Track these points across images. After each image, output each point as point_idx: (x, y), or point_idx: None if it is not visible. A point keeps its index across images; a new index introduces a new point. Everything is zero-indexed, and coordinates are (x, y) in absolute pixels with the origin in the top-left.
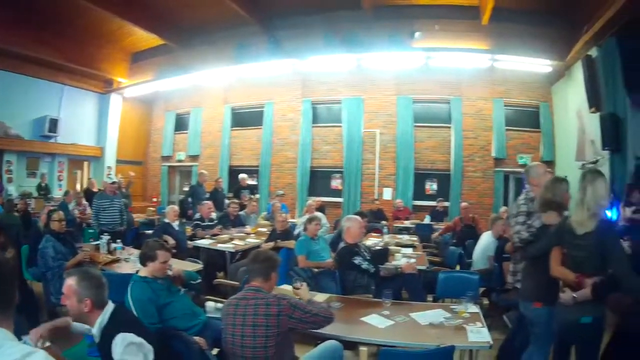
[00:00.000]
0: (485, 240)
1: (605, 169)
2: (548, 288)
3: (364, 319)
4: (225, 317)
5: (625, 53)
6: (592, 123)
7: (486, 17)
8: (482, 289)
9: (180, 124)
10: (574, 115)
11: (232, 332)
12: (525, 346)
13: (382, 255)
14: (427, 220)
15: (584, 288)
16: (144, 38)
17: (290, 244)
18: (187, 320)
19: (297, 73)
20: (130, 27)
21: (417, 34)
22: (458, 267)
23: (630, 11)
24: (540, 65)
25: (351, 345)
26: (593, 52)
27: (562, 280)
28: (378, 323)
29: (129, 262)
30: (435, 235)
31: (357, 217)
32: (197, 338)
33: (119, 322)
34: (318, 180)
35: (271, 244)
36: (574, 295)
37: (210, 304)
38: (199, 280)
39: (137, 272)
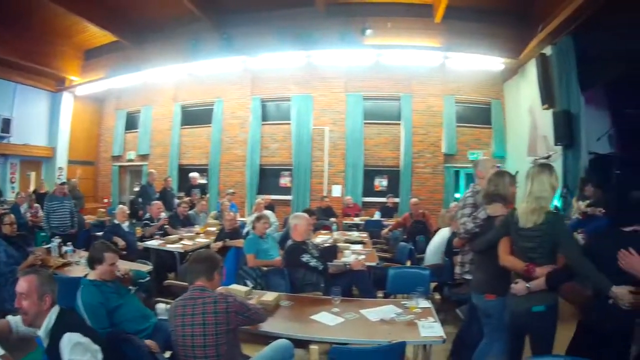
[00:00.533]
0: (441, 236)
1: (558, 163)
2: (499, 279)
3: (314, 316)
4: (173, 318)
5: (581, 51)
6: (545, 119)
7: (439, 14)
8: (434, 284)
9: (131, 123)
10: (526, 112)
11: (182, 333)
12: (479, 338)
13: (330, 252)
14: (376, 216)
15: (534, 277)
16: (97, 35)
17: (239, 243)
18: (137, 323)
19: (248, 70)
20: (84, 24)
21: (368, 31)
22: (409, 263)
23: (587, 11)
24: (493, 63)
25: (302, 344)
26: (547, 50)
27: (512, 269)
28: (328, 320)
29: (80, 265)
30: (385, 231)
31: (304, 214)
32: (148, 341)
33: (65, 324)
34: (267, 178)
35: (220, 244)
36: (527, 285)
37: (161, 306)
38: (147, 279)
39: (86, 275)
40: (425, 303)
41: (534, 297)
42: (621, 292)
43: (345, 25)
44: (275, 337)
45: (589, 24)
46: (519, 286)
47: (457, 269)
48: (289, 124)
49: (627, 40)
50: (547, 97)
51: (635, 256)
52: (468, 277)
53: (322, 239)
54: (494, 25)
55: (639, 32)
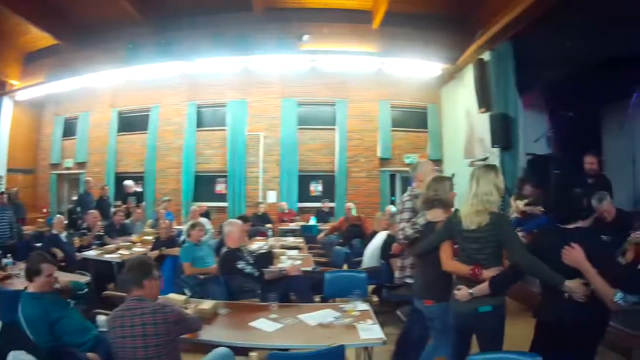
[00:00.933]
0: (380, 239)
1: (496, 164)
2: (438, 285)
3: (252, 323)
4: (112, 330)
5: (519, 56)
6: (481, 123)
7: (377, 21)
8: (372, 287)
9: (69, 130)
10: (463, 116)
11: (122, 345)
12: (423, 339)
13: (266, 258)
14: (312, 221)
15: (480, 280)
16: (38, 37)
17: (175, 251)
18: (79, 336)
19: (185, 76)
20: (25, 26)
21: (305, 37)
22: (346, 267)
23: (526, 18)
24: (431, 68)
25: (241, 351)
26: (486, 55)
27: (456, 274)
28: (266, 327)
29: (21, 278)
30: (320, 236)
31: (238, 221)
32: (90, 355)
33: (9, 340)
34: (203, 186)
35: (156, 253)
36: (470, 291)
37: (101, 318)
38: (85, 290)
39: (26, 288)
40: (363, 306)
41: (481, 298)
42: (575, 285)
43: (283, 31)
44: (214, 345)
45: (528, 31)
46: (461, 292)
47: (397, 273)
48: (224, 130)
49: (565, 46)
50: (484, 100)
51: (578, 251)
52: (409, 281)
53: (258, 245)
54: (432, 32)
55: (576, 39)
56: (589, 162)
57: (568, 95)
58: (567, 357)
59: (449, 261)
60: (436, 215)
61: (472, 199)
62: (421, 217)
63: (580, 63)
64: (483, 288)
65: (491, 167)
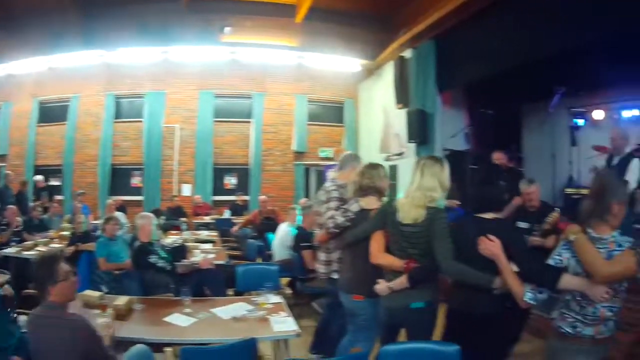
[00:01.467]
0: (283, 231)
1: (410, 160)
2: (368, 279)
3: (166, 318)
4: (31, 335)
5: (441, 56)
6: (398, 118)
7: (301, 15)
8: (287, 279)
9: None
10: (380, 111)
11: (36, 353)
12: (342, 331)
13: (179, 252)
14: (226, 214)
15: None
16: None
17: (91, 246)
18: (2, 339)
19: (105, 65)
20: None
21: (227, 29)
22: (260, 260)
23: (450, 19)
24: (350, 64)
25: (157, 347)
26: (407, 53)
27: (388, 268)
28: (181, 322)
29: None
30: (234, 229)
31: (150, 214)
32: (15, 358)
33: None
34: (119, 179)
35: (72, 248)
36: (389, 285)
37: (23, 319)
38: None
39: None
40: (276, 298)
41: (413, 294)
42: (501, 283)
43: (206, 22)
44: (129, 342)
45: (451, 31)
46: (380, 287)
47: (323, 268)
48: (140, 121)
49: (487, 48)
50: (402, 97)
51: (496, 244)
52: (335, 276)
53: (172, 239)
54: (354, 28)
55: (499, 41)
56: (496, 158)
57: (489, 94)
58: (478, 346)
59: (379, 254)
60: (370, 202)
61: (414, 191)
62: (354, 203)
63: (502, 63)
64: (402, 281)
65: (437, 160)
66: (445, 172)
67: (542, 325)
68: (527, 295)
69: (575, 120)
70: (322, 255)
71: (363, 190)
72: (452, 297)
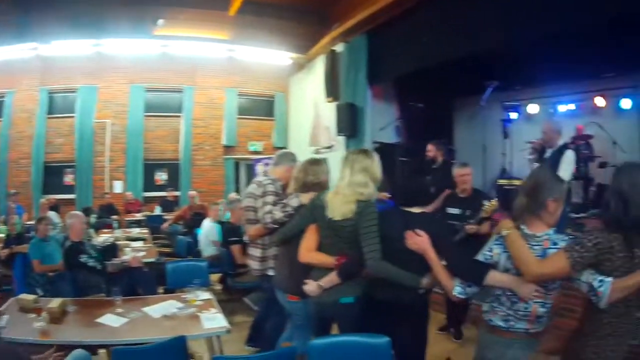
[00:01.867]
0: (207, 226)
1: (340, 153)
2: (304, 279)
3: (99, 320)
4: None
5: (373, 50)
6: (328, 112)
7: (234, 8)
8: (218, 275)
9: None
10: (310, 105)
11: None
12: (278, 327)
13: (110, 251)
14: (157, 211)
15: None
16: None
17: (26, 248)
18: None
19: (39, 59)
20: None
21: (160, 22)
22: (192, 257)
23: (382, 15)
24: (281, 57)
25: (91, 349)
26: (339, 47)
27: (320, 265)
28: (113, 322)
29: None
30: (165, 225)
31: (79, 213)
32: None
33: None
34: (52, 177)
35: (7, 251)
36: (320, 283)
37: None
38: None
39: None
40: (205, 295)
41: (343, 289)
42: (432, 282)
43: (140, 15)
44: (63, 346)
45: (384, 26)
46: (311, 287)
47: (258, 265)
48: (73, 117)
49: (420, 43)
50: (333, 90)
51: (424, 238)
52: (271, 273)
53: (104, 237)
54: (287, 22)
55: (432, 36)
56: (429, 149)
57: (420, 88)
58: (400, 335)
59: (309, 253)
60: (310, 198)
61: (344, 188)
62: (294, 198)
63: (433, 58)
64: (332, 279)
65: (367, 153)
66: (375, 165)
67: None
68: (456, 289)
69: (508, 113)
70: (257, 252)
71: (307, 187)
72: (372, 286)
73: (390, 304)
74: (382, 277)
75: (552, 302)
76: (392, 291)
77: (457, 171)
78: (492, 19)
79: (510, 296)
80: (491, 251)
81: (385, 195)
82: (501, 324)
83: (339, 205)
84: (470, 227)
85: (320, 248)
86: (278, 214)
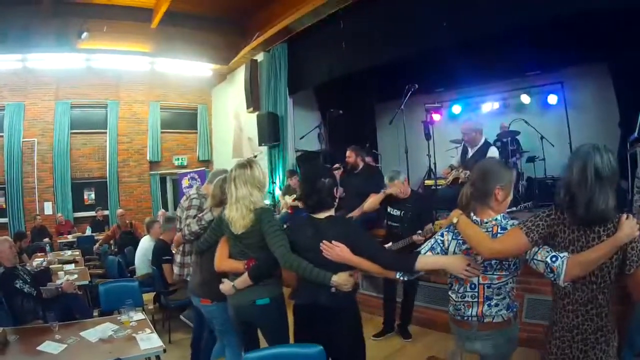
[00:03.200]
0: (145, 245)
1: (264, 163)
2: (215, 284)
3: (40, 347)
4: None
5: (294, 59)
6: (250, 122)
7: (157, 20)
8: (153, 294)
9: None
10: (232, 116)
11: None
12: (214, 339)
13: (43, 275)
14: (88, 231)
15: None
16: None
17: None
18: None
19: None
20: None
21: (84, 35)
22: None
23: (301, 24)
24: (203, 69)
25: None
26: (260, 57)
27: (232, 272)
28: (53, 349)
29: None
30: (96, 246)
31: (6, 237)
32: None
33: None
34: None
35: None
36: (233, 284)
37: None
38: None
39: None
40: (139, 315)
41: (258, 290)
42: (342, 280)
43: (65, 27)
44: None
45: (304, 35)
46: (225, 286)
47: (177, 270)
48: (2, 136)
49: (340, 50)
50: (254, 101)
51: (341, 248)
52: (189, 278)
53: (37, 262)
54: (208, 33)
55: (352, 44)
56: (347, 155)
57: (342, 94)
58: (331, 338)
59: (222, 261)
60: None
61: (234, 204)
62: (207, 213)
63: (353, 65)
64: (244, 279)
65: (244, 165)
66: (255, 172)
67: (432, 317)
68: (397, 273)
69: (430, 115)
70: (177, 257)
71: (222, 204)
72: (298, 291)
73: (309, 307)
74: (297, 275)
75: (512, 285)
76: (308, 294)
77: (396, 181)
78: (412, 24)
79: (457, 279)
80: (442, 236)
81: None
82: (452, 312)
83: (237, 220)
84: (418, 239)
85: (232, 257)
86: (194, 226)
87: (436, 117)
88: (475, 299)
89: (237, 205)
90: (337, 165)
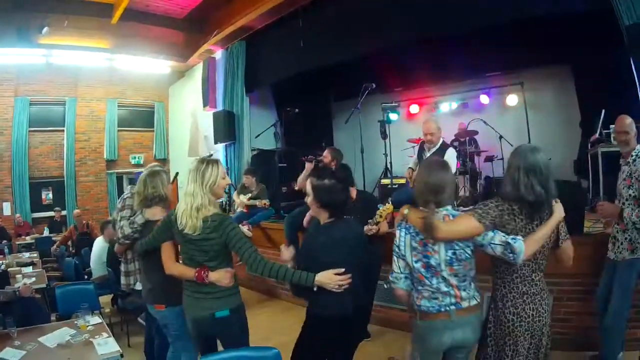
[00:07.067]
0: (99, 246)
1: (221, 160)
2: (167, 288)
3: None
4: None
5: (251, 57)
6: (206, 120)
7: (117, 15)
8: (110, 296)
9: None
10: (189, 114)
11: None
12: (166, 344)
13: (1, 279)
14: (46, 232)
15: (207, 282)
16: None
17: None
18: None
19: None
20: None
21: (45, 29)
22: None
23: (259, 22)
24: (161, 66)
25: None
26: (218, 54)
27: (181, 278)
28: (13, 356)
29: None
30: (53, 248)
31: None
32: None
33: None
34: None
35: None
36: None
37: None
38: None
39: None
40: (95, 319)
41: (216, 303)
42: (326, 277)
43: (26, 21)
44: None
45: (260, 33)
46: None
47: (123, 279)
48: None
49: (293, 48)
50: (210, 98)
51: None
52: (138, 287)
53: None
54: (166, 29)
55: (303, 42)
56: (324, 155)
57: (299, 93)
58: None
59: (171, 265)
60: (155, 213)
61: (184, 198)
62: (139, 215)
63: (310, 63)
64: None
65: (202, 161)
66: (207, 172)
67: (391, 316)
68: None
69: (387, 114)
70: (122, 266)
71: (149, 201)
72: (318, 302)
73: (341, 319)
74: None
75: (471, 272)
76: (335, 303)
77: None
78: (371, 24)
79: (426, 272)
80: (398, 237)
81: (265, 202)
82: (427, 305)
83: (187, 217)
84: (369, 228)
85: (183, 263)
86: (127, 229)
87: (393, 116)
88: (450, 287)
89: (186, 199)
90: (310, 157)
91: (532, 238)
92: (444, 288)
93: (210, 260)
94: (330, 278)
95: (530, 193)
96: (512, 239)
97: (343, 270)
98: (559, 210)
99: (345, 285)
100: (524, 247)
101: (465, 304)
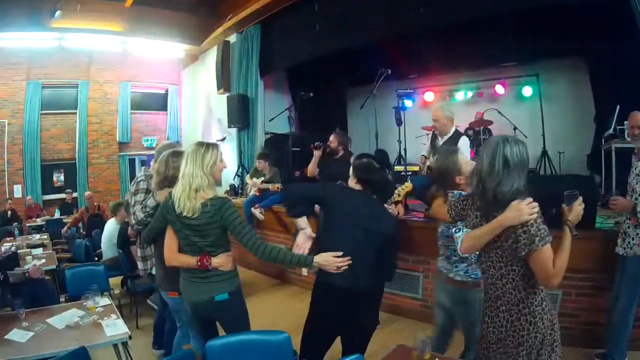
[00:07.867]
0: (110, 228)
1: (233, 144)
2: (178, 276)
3: (7, 336)
4: None
5: (266, 41)
6: (220, 104)
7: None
8: (120, 278)
9: None
10: (203, 97)
11: None
12: (175, 326)
13: (11, 261)
14: (57, 214)
15: (211, 268)
16: None
17: None
18: None
19: None
20: None
21: (57, 13)
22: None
23: (277, 4)
24: (175, 49)
25: None
26: (232, 38)
27: (184, 267)
28: (19, 337)
29: None
30: (64, 230)
31: None
32: None
33: None
34: None
35: None
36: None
37: None
38: None
39: None
40: (105, 300)
41: (215, 287)
42: (324, 259)
43: (37, 6)
44: None
45: (277, 16)
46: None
47: (140, 264)
48: None
49: (308, 32)
50: (224, 82)
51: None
52: (154, 272)
53: (6, 247)
54: (181, 13)
55: (319, 25)
56: (330, 140)
57: (313, 77)
58: (353, 320)
59: (172, 255)
60: (165, 196)
61: (180, 180)
62: (150, 198)
63: (327, 48)
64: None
65: (201, 144)
66: (207, 154)
67: (399, 303)
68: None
69: (402, 101)
70: (138, 251)
71: (169, 182)
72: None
73: (346, 289)
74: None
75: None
76: (345, 276)
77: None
78: (388, 9)
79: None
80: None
81: (277, 186)
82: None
83: (184, 199)
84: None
85: (182, 249)
86: (140, 214)
87: (408, 103)
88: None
89: (183, 181)
90: (318, 144)
91: (470, 234)
92: (474, 264)
93: (211, 246)
94: (328, 260)
95: (490, 188)
96: (458, 229)
97: (341, 253)
98: (512, 211)
99: (344, 267)
100: (462, 239)
101: (456, 277)
